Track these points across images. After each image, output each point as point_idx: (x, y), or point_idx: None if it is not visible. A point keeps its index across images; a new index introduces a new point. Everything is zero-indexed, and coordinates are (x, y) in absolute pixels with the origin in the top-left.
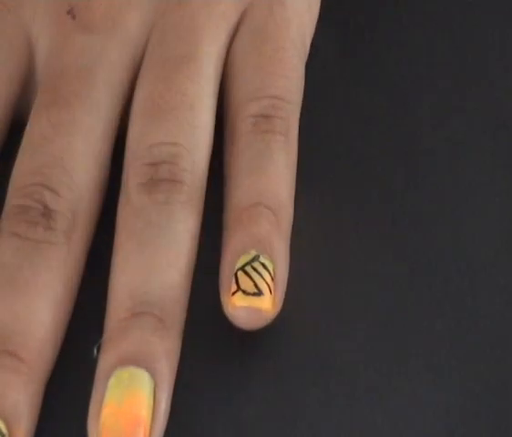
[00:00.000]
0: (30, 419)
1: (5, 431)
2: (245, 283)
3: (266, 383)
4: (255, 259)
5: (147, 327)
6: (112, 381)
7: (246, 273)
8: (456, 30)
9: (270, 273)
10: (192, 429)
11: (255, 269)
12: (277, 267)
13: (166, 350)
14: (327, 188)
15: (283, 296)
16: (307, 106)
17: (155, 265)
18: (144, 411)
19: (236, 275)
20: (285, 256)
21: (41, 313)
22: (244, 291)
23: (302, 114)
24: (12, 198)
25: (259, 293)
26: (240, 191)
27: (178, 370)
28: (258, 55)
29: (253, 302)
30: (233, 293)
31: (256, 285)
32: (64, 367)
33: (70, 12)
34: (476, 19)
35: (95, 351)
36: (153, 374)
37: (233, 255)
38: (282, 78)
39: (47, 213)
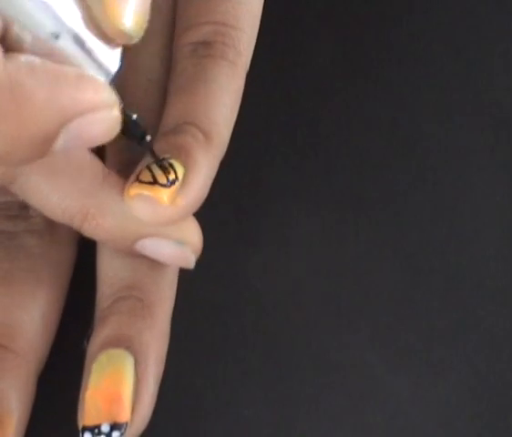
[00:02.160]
0: (21, 407)
1: None
2: (143, 175)
3: (266, 383)
4: (164, 159)
5: (125, 309)
6: (93, 366)
7: (148, 168)
8: (456, 30)
9: (175, 172)
10: (192, 429)
11: (159, 166)
12: (190, 174)
13: (147, 327)
14: (327, 187)
15: (193, 206)
16: (307, 105)
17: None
18: (121, 387)
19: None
20: (206, 171)
21: (25, 301)
22: (140, 181)
23: (301, 113)
24: None
25: (153, 182)
26: (168, 112)
27: (177, 371)
28: None
29: (146, 189)
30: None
31: (153, 176)
32: (62, 361)
33: None
34: (476, 18)
35: (85, 344)
36: (133, 352)
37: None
38: (226, 2)
39: (27, 204)
